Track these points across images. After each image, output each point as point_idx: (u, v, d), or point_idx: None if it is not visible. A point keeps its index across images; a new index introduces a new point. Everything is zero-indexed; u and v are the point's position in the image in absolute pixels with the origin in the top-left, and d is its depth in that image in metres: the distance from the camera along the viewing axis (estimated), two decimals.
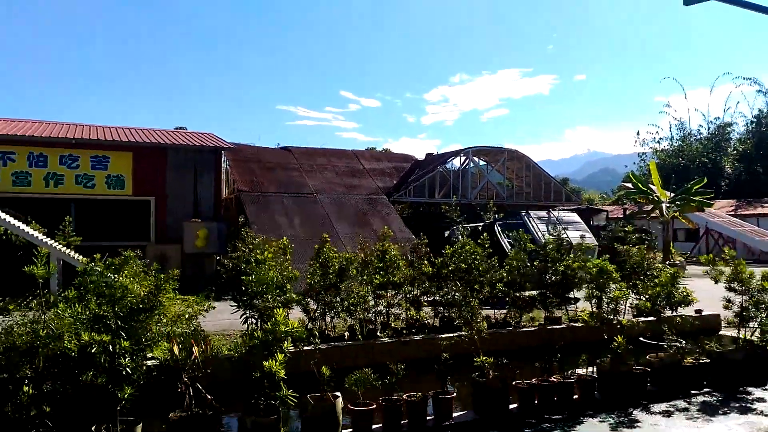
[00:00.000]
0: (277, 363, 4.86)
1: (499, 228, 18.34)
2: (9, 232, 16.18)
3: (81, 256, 15.44)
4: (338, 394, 5.74)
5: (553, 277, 12.05)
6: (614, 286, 9.97)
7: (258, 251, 9.92)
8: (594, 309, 10.23)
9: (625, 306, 10.14)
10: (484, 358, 6.61)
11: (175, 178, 21.29)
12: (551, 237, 16.16)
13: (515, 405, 7.06)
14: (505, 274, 11.34)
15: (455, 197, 26.42)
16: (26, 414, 4.49)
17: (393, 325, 10.70)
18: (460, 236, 16.63)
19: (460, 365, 7.07)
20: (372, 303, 10.45)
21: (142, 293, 5.31)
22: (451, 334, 9.62)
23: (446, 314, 11.09)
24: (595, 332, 8.85)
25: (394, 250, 10.56)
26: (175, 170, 21.32)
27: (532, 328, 11.47)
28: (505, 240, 17.41)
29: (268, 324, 5.23)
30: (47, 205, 19.33)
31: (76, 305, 4.87)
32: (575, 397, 7.41)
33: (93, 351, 4.48)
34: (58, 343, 4.96)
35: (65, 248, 15.93)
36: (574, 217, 20.79)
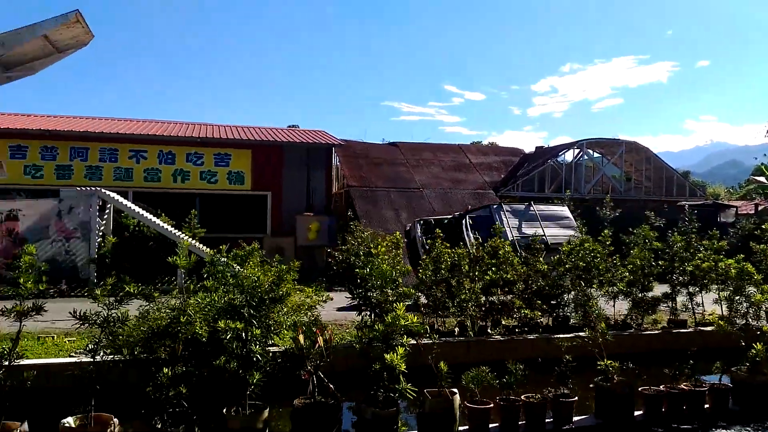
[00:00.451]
0: (398, 356, 4.89)
1: (469, 222, 15.84)
2: (141, 224, 17.61)
3: (205, 247, 16.48)
4: (455, 390, 5.69)
5: (681, 278, 11.26)
6: (752, 289, 9.13)
7: (372, 245, 10.09)
8: (727, 312, 9.43)
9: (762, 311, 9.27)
10: (609, 361, 6.29)
11: (290, 173, 22.18)
12: (518, 235, 14.90)
13: (641, 412, 6.68)
14: (627, 273, 10.75)
15: (568, 192, 25.44)
16: (165, 394, 4.82)
17: (504, 323, 10.49)
18: (469, 232, 15.07)
19: (576, 367, 6.79)
20: (483, 300, 10.29)
21: (268, 284, 5.55)
22: (568, 335, 9.25)
23: (561, 314, 10.71)
24: (728, 338, 8.16)
25: (507, 246, 10.32)
26: (290, 166, 22.21)
27: (656, 332, 10.80)
28: (471, 236, 14.89)
29: (388, 317, 5.28)
30: (175, 199, 20.81)
31: (214, 294, 5.18)
32: (706, 406, 6.88)
33: (228, 337, 4.73)
34: (190, 328, 5.30)
35: (191, 239, 17.08)
36: (561, 211, 17.28)
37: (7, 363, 4.74)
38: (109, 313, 4.85)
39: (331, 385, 5.39)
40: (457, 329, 10.09)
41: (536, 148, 32.16)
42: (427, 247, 14.77)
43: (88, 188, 16.47)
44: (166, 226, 16.96)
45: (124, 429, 4.94)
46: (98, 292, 4.88)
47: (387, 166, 26.34)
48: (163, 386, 4.77)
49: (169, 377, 4.78)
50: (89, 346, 4.96)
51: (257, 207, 21.99)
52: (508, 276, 10.27)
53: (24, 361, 5.19)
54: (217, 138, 21.67)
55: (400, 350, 5.00)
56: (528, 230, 15.17)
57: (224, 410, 5.04)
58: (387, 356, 4.87)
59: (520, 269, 10.49)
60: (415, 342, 5.67)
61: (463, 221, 15.64)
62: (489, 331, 10.08)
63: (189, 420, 4.84)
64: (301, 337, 5.30)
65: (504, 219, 15.67)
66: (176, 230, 17.21)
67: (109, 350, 4.92)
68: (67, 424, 4.69)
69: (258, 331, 4.84)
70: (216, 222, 20.73)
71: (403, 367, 4.97)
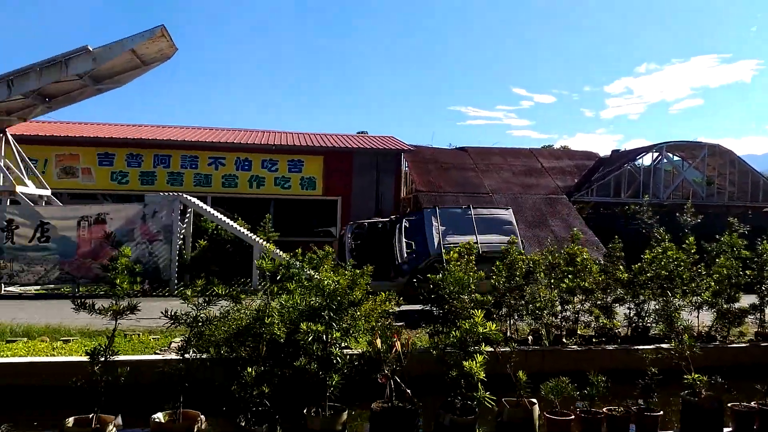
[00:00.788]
0: (477, 364, 4.86)
1: (405, 225, 14.66)
2: (219, 227, 18.28)
3: (279, 250, 16.92)
4: (534, 400, 5.59)
5: None
6: None
7: (443, 251, 10.06)
8: None
9: None
10: (696, 375, 6.00)
11: (359, 179, 22.48)
12: (445, 242, 13.44)
13: (729, 429, 6.34)
14: (713, 283, 10.22)
15: (646, 197, 24.47)
16: (249, 393, 4.99)
17: (579, 332, 10.20)
18: (402, 237, 14.00)
19: (658, 380, 6.51)
20: (559, 308, 10.04)
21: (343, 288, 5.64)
22: (650, 346, 8.90)
23: (641, 324, 10.31)
24: None
25: (585, 253, 10.04)
26: (359, 172, 22.50)
27: (743, 345, 10.21)
28: (404, 241, 14.00)
29: (466, 324, 5.25)
30: (250, 204, 21.51)
31: (296, 296, 5.32)
32: None
33: (309, 339, 4.85)
34: (271, 329, 5.45)
35: (266, 242, 17.57)
36: (503, 216, 15.52)
37: (103, 359, 5.03)
38: (198, 313, 5.06)
39: (408, 390, 5.42)
40: (530, 337, 9.89)
41: (612, 151, 31.13)
42: (354, 251, 14.47)
43: (171, 193, 17.25)
44: (242, 229, 17.53)
45: (211, 426, 5.14)
46: (188, 292, 5.12)
47: (456, 171, 26.21)
48: (247, 385, 4.94)
49: (253, 376, 4.94)
50: (173, 344, 5.19)
51: (328, 211, 22.40)
52: (586, 284, 9.98)
53: (117, 357, 5.49)
54: (291, 145, 22.25)
55: (479, 358, 4.96)
56: (458, 237, 13.68)
57: (305, 410, 5.15)
58: (465, 363, 4.85)
59: (597, 277, 10.19)
60: (492, 350, 5.61)
61: (397, 226, 14.75)
62: (564, 340, 9.83)
63: (271, 419, 4.98)
64: (378, 341, 5.36)
65: (434, 224, 14.39)
66: (252, 234, 17.76)
67: (196, 349, 5.14)
68: (157, 420, 4.93)
69: (338, 334, 4.93)
70: (289, 226, 21.26)
71: (482, 375, 4.93)
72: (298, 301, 5.28)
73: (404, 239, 13.87)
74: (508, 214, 15.19)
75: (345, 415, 5.12)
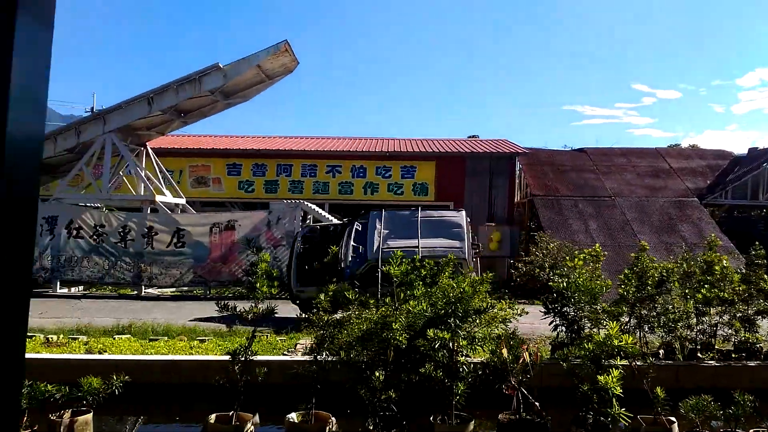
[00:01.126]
0: (613, 379, 4.64)
1: (357, 228, 13.86)
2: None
3: None
4: (673, 419, 5.24)
5: None
6: None
7: (567, 257, 9.72)
8: None
9: None
10: None
11: (472, 183, 22.27)
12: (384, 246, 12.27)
13: None
14: None
15: None
16: (378, 398, 5.10)
17: (717, 347, 9.43)
18: (350, 241, 13.33)
19: None
20: (694, 320, 9.36)
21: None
22: None
23: None
24: None
25: (725, 261, 9.28)
26: (472, 176, 22.30)
27: None
28: (351, 245, 13.32)
29: (598, 336, 5.03)
30: (365, 210, 21.99)
31: (423, 303, 5.38)
32: None
33: (435, 346, 4.88)
34: (395, 334, 5.55)
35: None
36: (453, 219, 14.21)
37: (243, 359, 5.35)
38: (330, 317, 5.26)
39: (537, 403, 5.28)
40: (662, 351, 9.30)
41: (749, 149, 28.56)
42: (301, 255, 14.05)
43: (293, 201, 18.08)
44: None
45: (340, 428, 5.31)
46: (321, 297, 5.33)
47: (574, 173, 25.21)
48: (376, 390, 5.05)
49: (381, 381, 5.04)
50: (298, 345, 5.40)
51: None
52: (725, 294, 9.23)
53: (256, 357, 5.82)
54: (404, 151, 22.52)
55: (615, 372, 4.73)
56: (401, 241, 12.90)
57: (431, 418, 5.18)
58: (600, 378, 4.64)
59: (738, 287, 9.38)
60: (627, 363, 5.33)
61: (348, 229, 14.07)
62: (699, 355, 9.14)
63: (399, 425, 5.05)
64: (504, 351, 5.27)
65: (377, 227, 13.57)
66: None
67: (328, 351, 5.34)
68: (291, 420, 5.16)
69: (464, 342, 4.91)
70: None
71: (618, 390, 4.70)
72: (425, 307, 5.32)
73: (352, 243, 13.42)
74: (458, 217, 14.11)
75: (472, 425, 5.09)
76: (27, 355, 8.36)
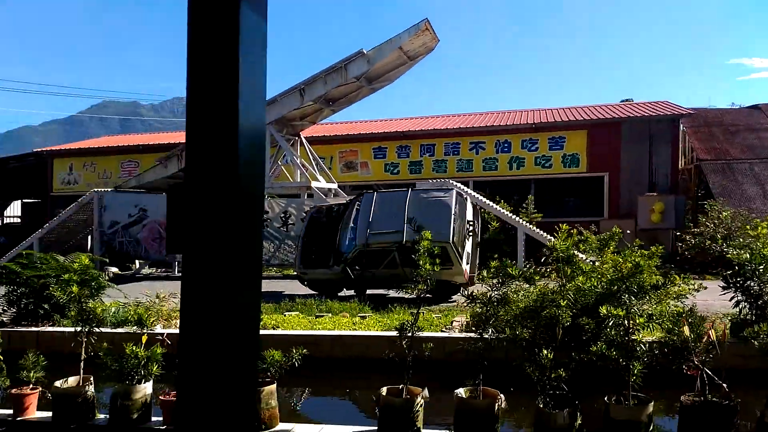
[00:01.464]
0: None
1: (357, 209, 13.39)
2: (483, 210, 18.65)
3: (542, 232, 16.64)
4: None
5: None
6: None
7: (747, 226, 8.77)
8: None
9: None
10: None
11: (629, 151, 20.86)
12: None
13: None
14: None
15: None
16: (547, 376, 4.98)
17: None
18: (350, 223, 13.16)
19: None
20: None
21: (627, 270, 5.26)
22: None
23: None
24: None
25: None
26: (629, 144, 20.87)
27: None
28: (350, 227, 13.09)
29: None
30: (510, 186, 21.53)
31: (593, 279, 5.16)
32: None
33: (609, 324, 4.66)
34: (564, 312, 5.38)
35: (528, 224, 17.44)
36: (443, 198, 13.07)
37: (410, 334, 5.50)
38: (492, 294, 5.23)
39: (725, 384, 4.85)
40: None
41: None
42: (304, 237, 14.07)
43: (439, 180, 18.17)
44: (504, 211, 17.67)
45: (510, 406, 5.27)
46: (484, 273, 5.31)
47: (747, 133, 22.63)
48: (545, 368, 4.94)
49: (550, 359, 4.91)
50: (455, 322, 5.40)
51: (593, 189, 21.26)
52: None
53: (421, 333, 5.95)
54: (551, 122, 21.62)
55: None
56: (387, 224, 12.45)
57: (605, 398, 4.96)
58: None
59: None
60: None
61: (348, 210, 13.60)
62: None
63: (570, 404, 4.90)
64: (685, 329, 4.89)
65: (370, 210, 13.06)
66: (514, 215, 17.78)
67: (494, 328, 5.31)
68: (459, 395, 5.22)
69: (642, 320, 4.62)
70: (551, 206, 20.76)
71: None
72: (595, 284, 5.09)
73: (351, 225, 13.27)
74: (447, 197, 13.07)
75: (651, 407, 4.80)
76: None
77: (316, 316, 10.50)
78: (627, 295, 4.67)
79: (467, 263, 12.61)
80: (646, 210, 19.72)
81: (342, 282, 13.06)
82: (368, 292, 12.75)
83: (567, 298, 5.10)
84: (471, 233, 13.04)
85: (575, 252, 6.39)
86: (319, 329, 9.44)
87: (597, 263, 6.70)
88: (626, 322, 4.63)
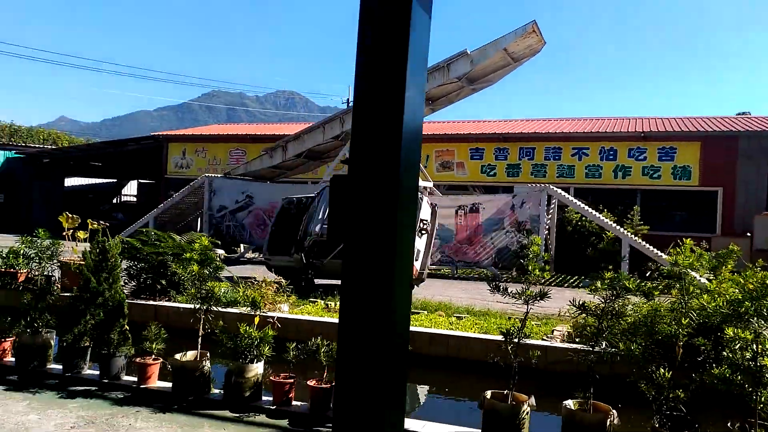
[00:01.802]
0: None
1: (325, 199, 13.38)
2: (584, 219, 18.07)
3: (648, 245, 15.87)
4: None
5: None
6: None
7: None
8: None
9: None
10: None
11: (746, 166, 19.50)
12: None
13: None
14: None
15: None
16: (664, 395, 4.77)
17: None
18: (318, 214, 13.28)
19: None
20: None
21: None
22: None
23: None
24: None
25: None
26: (746, 159, 19.52)
27: None
28: (315, 218, 13.36)
29: None
30: (614, 195, 20.69)
31: (719, 298, 4.89)
32: None
33: (735, 347, 4.39)
34: (671, 327, 5.13)
35: (633, 236, 16.69)
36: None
37: (516, 340, 5.43)
38: (607, 306, 5.06)
39: None
40: None
41: None
42: (273, 226, 14.23)
43: (539, 185, 17.77)
44: (608, 221, 17.01)
45: (621, 422, 5.09)
46: (598, 284, 5.16)
47: None
48: (662, 387, 4.73)
49: (668, 379, 4.70)
50: (555, 331, 5.26)
51: (705, 204, 20.05)
52: None
53: (528, 340, 5.86)
54: (662, 131, 20.59)
55: None
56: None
57: (728, 424, 4.69)
58: None
59: None
60: None
61: (315, 200, 13.60)
62: None
63: (690, 426, 4.67)
64: None
65: (322, 201, 13.44)
66: (618, 226, 17.09)
67: (607, 342, 5.15)
68: (569, 406, 5.09)
69: None
70: (657, 219, 19.77)
71: None
72: (721, 303, 4.80)
73: (314, 215, 13.59)
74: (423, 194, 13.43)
75: None
76: (312, 318, 9.64)
77: (412, 313, 10.58)
78: (756, 318, 4.38)
79: (415, 260, 12.67)
80: (763, 229, 18.37)
81: (302, 270, 13.48)
82: (327, 282, 13.09)
83: (689, 317, 4.84)
84: (424, 231, 13.12)
85: (687, 270, 6.07)
86: (416, 326, 9.52)
87: (713, 282, 6.34)
88: (755, 346, 4.35)
